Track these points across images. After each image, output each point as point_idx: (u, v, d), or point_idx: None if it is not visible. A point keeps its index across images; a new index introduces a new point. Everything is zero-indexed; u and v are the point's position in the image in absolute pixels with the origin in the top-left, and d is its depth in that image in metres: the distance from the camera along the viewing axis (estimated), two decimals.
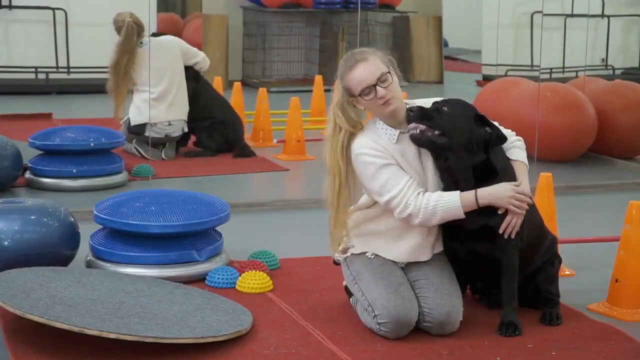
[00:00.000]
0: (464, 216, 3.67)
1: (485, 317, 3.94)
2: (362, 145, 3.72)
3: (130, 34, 7.05)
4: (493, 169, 3.72)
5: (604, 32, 12.01)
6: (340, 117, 3.73)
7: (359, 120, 3.79)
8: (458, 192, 3.67)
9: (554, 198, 4.60)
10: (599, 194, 6.61)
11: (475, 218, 3.72)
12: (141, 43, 7.15)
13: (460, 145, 3.68)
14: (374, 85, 3.68)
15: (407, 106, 3.76)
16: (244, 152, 7.48)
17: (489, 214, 3.71)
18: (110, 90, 7.18)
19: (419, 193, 3.67)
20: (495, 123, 3.88)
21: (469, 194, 3.66)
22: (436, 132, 3.67)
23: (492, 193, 3.66)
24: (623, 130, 7.51)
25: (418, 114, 3.69)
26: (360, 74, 3.69)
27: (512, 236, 3.70)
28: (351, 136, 3.75)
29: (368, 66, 3.70)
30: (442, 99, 3.83)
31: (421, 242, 3.80)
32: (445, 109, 3.71)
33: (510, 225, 3.69)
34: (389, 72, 3.71)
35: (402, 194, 3.66)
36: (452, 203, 3.65)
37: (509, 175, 3.76)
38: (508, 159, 3.82)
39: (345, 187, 3.75)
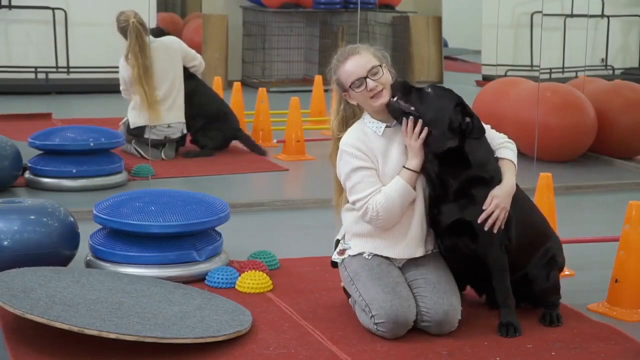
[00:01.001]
0: (415, 192, 3.74)
1: (485, 317, 3.94)
2: (347, 142, 3.80)
3: (138, 34, 6.95)
4: (467, 160, 3.71)
5: (603, 32, 12.00)
6: (333, 118, 3.90)
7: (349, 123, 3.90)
8: (397, 177, 3.74)
9: (554, 198, 4.60)
10: (599, 194, 6.61)
11: (449, 212, 3.72)
12: None
13: (429, 124, 3.69)
14: (365, 78, 3.72)
15: None
16: (247, 142, 7.57)
17: (463, 207, 3.71)
18: (143, 105, 7.01)
19: (374, 198, 3.74)
20: (487, 126, 3.86)
21: (403, 170, 3.75)
22: (411, 108, 3.71)
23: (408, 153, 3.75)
24: (623, 130, 7.51)
25: (401, 85, 3.73)
26: (351, 67, 3.76)
27: (495, 230, 3.69)
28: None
29: (359, 59, 3.77)
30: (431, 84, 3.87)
31: (414, 236, 3.82)
32: (429, 90, 3.75)
33: (492, 217, 3.69)
34: (380, 66, 3.76)
35: (365, 199, 3.74)
36: (399, 188, 3.72)
37: (489, 171, 3.74)
38: (496, 158, 3.80)
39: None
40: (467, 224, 3.71)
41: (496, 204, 3.68)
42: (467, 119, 3.73)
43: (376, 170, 3.78)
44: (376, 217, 3.74)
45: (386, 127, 3.80)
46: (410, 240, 3.82)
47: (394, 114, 3.76)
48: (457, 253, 3.82)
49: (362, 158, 3.76)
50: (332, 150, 3.96)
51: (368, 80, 3.73)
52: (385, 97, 3.75)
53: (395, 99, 3.73)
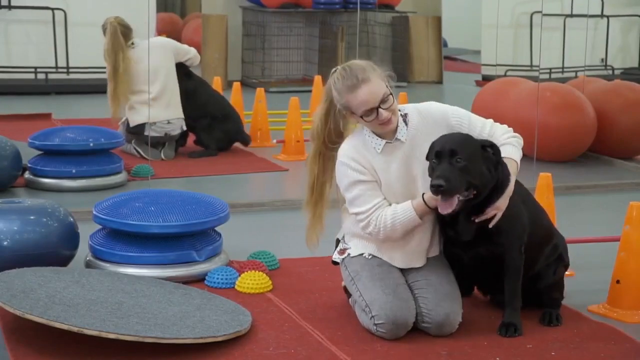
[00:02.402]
0: (422, 221, 3.71)
1: (484, 317, 3.94)
2: (345, 154, 3.74)
3: (113, 33, 7.05)
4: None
5: (603, 32, 12.02)
6: (321, 125, 3.79)
7: (342, 132, 3.82)
8: (410, 202, 3.69)
9: (554, 198, 4.60)
10: (598, 194, 6.61)
11: (467, 230, 3.72)
12: (132, 44, 7.17)
13: (484, 185, 3.64)
14: (377, 108, 3.65)
15: (400, 113, 3.75)
16: (244, 140, 7.66)
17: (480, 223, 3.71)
18: (109, 96, 7.16)
19: (380, 213, 3.70)
20: (490, 120, 3.84)
21: (419, 201, 3.68)
22: (465, 193, 3.59)
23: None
24: (622, 130, 7.52)
25: (465, 184, 3.57)
26: (364, 97, 3.64)
27: (490, 225, 3.67)
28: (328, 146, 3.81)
29: (371, 88, 3.64)
30: (440, 138, 3.66)
31: (414, 248, 3.81)
32: (459, 160, 3.58)
33: (487, 217, 3.68)
34: (390, 94, 3.68)
35: (367, 213, 3.72)
36: (407, 216, 3.69)
37: (502, 182, 3.72)
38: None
39: (318, 186, 3.91)
40: (485, 231, 3.71)
41: (497, 207, 3.67)
42: (490, 150, 3.66)
43: (376, 182, 3.74)
44: (377, 233, 3.73)
45: (386, 143, 3.75)
46: (410, 252, 3.82)
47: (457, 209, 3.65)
48: (479, 260, 3.82)
49: (361, 171, 3.72)
50: (312, 155, 3.87)
51: (380, 110, 3.65)
52: (393, 123, 3.69)
53: (454, 206, 3.57)
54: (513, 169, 3.74)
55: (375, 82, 3.66)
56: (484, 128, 3.79)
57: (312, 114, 9.03)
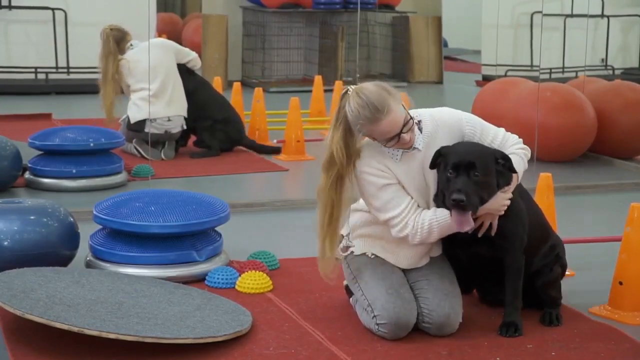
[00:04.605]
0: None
1: (485, 317, 3.95)
2: (365, 163, 3.70)
3: (105, 40, 7.19)
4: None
5: (603, 32, 12.01)
6: (342, 152, 3.65)
7: (359, 149, 3.73)
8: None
9: (554, 198, 4.60)
10: (599, 194, 6.61)
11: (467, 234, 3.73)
12: (131, 45, 7.21)
13: (490, 198, 3.66)
14: (399, 134, 3.62)
15: (415, 119, 3.71)
16: (252, 146, 7.63)
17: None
18: (101, 95, 7.27)
19: (417, 214, 3.68)
20: (502, 130, 3.82)
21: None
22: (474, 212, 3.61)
23: (485, 207, 3.65)
24: (622, 131, 7.51)
25: (465, 208, 3.56)
26: (386, 128, 3.59)
27: (492, 233, 3.69)
28: (346, 168, 3.69)
29: (393, 117, 3.58)
30: (455, 148, 3.65)
31: (419, 250, 3.80)
32: (477, 174, 3.59)
33: (483, 228, 3.69)
34: (411, 118, 3.65)
35: (403, 214, 3.68)
36: (445, 220, 3.66)
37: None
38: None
39: (336, 217, 3.71)
40: (485, 236, 3.73)
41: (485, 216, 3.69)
42: (501, 161, 3.67)
43: (400, 184, 3.71)
44: (414, 235, 3.68)
45: (403, 152, 3.71)
46: (414, 253, 3.81)
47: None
48: (479, 261, 3.83)
49: (386, 176, 3.68)
50: (330, 183, 3.66)
51: (403, 135, 3.62)
52: (412, 140, 3.67)
53: (469, 230, 3.61)
54: (513, 181, 3.73)
55: (396, 110, 3.59)
56: (495, 138, 3.77)
57: (312, 114, 9.06)
